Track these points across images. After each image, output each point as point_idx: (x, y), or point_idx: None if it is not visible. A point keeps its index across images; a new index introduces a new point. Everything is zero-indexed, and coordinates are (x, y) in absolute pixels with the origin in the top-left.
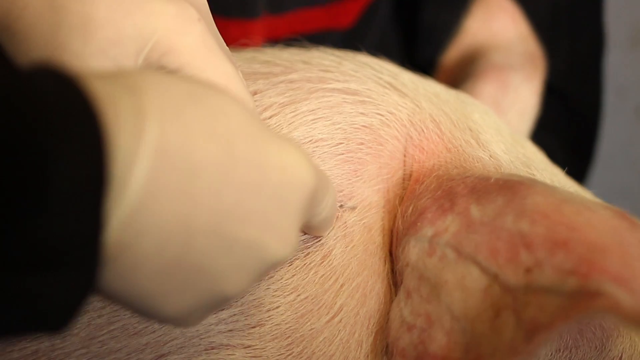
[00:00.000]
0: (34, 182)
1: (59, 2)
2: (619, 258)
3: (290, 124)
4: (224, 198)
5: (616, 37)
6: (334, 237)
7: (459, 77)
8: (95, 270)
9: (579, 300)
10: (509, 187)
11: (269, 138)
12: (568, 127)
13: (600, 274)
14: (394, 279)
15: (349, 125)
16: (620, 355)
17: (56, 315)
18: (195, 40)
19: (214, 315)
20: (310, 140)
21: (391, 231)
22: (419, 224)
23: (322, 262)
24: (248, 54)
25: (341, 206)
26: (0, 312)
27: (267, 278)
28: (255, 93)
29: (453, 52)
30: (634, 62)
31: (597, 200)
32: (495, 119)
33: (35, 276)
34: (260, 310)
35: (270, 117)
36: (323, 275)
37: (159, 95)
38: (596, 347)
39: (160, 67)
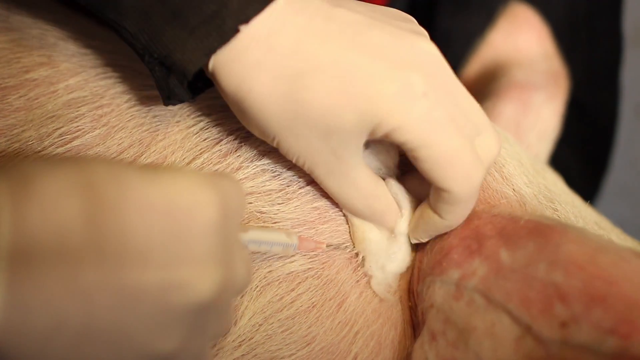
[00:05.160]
0: None
1: (295, 96)
2: None
3: None
4: (111, 250)
5: None
6: (349, 283)
7: (478, 92)
8: None
9: None
10: (539, 232)
11: (149, 179)
12: (583, 139)
13: None
14: (413, 318)
15: None
16: None
17: None
18: (418, 117)
19: None
20: None
21: (411, 268)
22: (444, 264)
23: (339, 308)
24: None
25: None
26: None
27: (281, 331)
28: None
29: (474, 65)
30: (634, 62)
31: (625, 238)
32: (516, 147)
33: None
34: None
35: None
36: (340, 322)
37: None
38: None
39: (385, 137)
